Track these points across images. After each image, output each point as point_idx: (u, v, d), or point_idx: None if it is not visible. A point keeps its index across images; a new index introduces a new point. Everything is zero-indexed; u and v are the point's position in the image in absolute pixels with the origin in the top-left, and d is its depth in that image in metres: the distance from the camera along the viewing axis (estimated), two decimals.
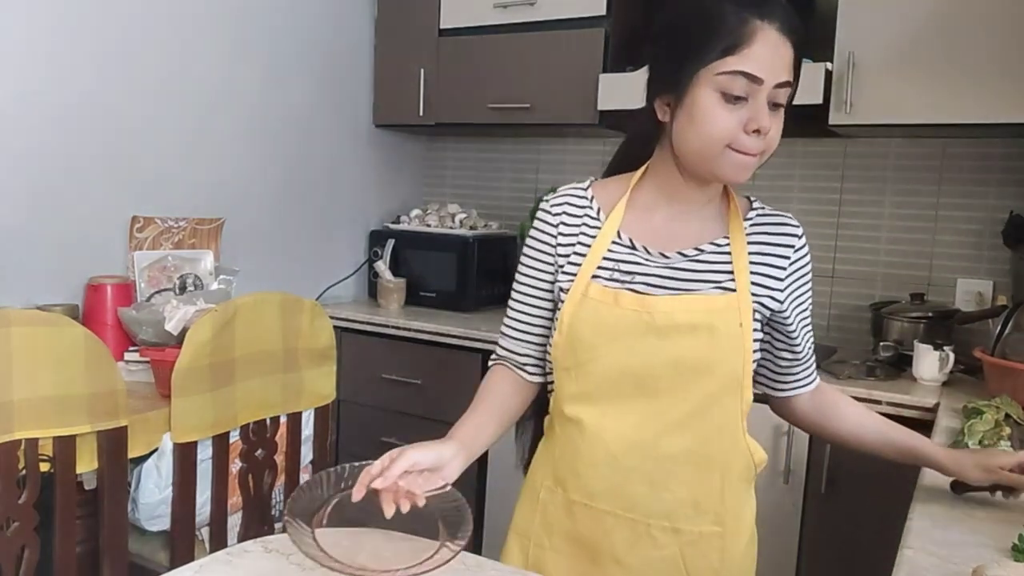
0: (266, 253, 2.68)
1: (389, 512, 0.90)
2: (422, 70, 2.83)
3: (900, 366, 2.11)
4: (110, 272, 2.15)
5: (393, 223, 3.04)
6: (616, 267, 1.09)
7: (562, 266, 1.13)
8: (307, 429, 1.93)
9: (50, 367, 1.41)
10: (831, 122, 2.17)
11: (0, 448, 1.36)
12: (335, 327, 2.02)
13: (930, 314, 2.21)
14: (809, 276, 1.17)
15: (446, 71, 2.80)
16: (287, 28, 2.67)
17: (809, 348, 1.20)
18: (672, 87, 1.03)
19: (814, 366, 1.23)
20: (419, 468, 0.95)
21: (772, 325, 1.16)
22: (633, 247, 1.11)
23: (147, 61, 2.26)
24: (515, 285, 1.19)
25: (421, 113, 2.85)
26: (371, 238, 2.99)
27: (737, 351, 1.06)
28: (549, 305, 1.16)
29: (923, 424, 1.78)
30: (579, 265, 1.11)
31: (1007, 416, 1.55)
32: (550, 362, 1.14)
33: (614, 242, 1.11)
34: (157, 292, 2.15)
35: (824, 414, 1.23)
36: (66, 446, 1.45)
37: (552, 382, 1.17)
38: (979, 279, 2.33)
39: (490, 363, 1.23)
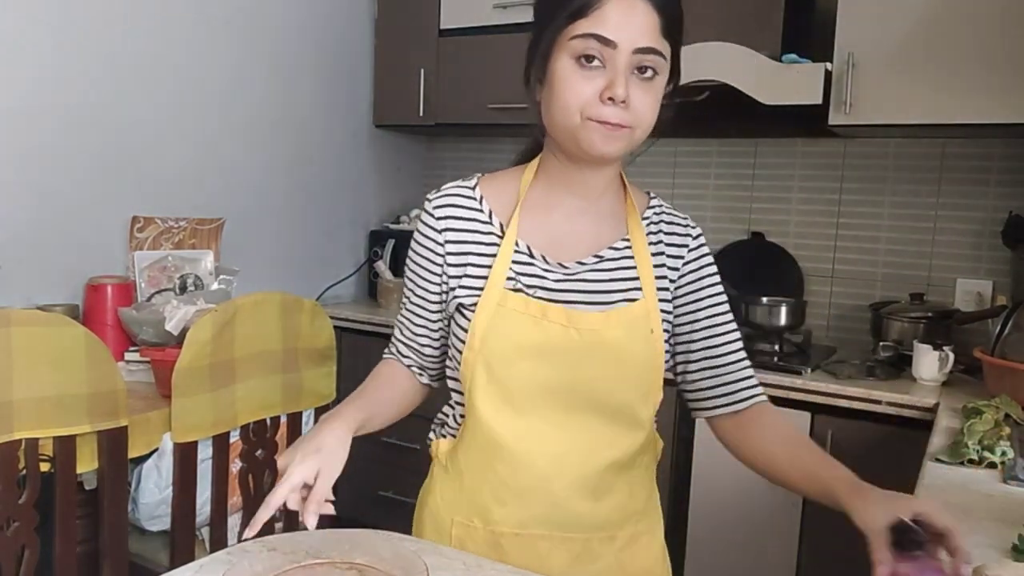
0: (266, 253, 2.68)
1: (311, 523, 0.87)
2: (422, 70, 2.83)
3: (900, 366, 2.11)
4: (110, 272, 2.15)
5: (393, 223, 3.04)
6: (517, 277, 1.02)
7: (457, 277, 1.05)
8: (307, 429, 1.93)
9: (50, 367, 1.41)
10: (831, 122, 2.17)
11: (0, 448, 1.36)
12: (335, 327, 2.02)
13: (930, 314, 2.21)
14: (707, 285, 1.08)
15: (446, 71, 2.80)
16: (287, 28, 2.67)
17: (714, 369, 1.08)
18: (537, 59, 0.99)
19: (728, 390, 1.08)
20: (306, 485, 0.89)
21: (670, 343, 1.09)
22: (531, 256, 1.04)
23: (147, 61, 2.26)
24: (404, 291, 1.13)
25: (421, 113, 2.85)
26: (371, 238, 2.99)
27: (649, 359, 1.02)
28: (437, 316, 1.09)
29: (923, 424, 1.78)
30: (483, 278, 1.03)
31: (1007, 416, 1.55)
32: (455, 379, 1.08)
33: (515, 250, 1.04)
34: (157, 292, 2.15)
35: (741, 430, 1.07)
36: (66, 446, 1.45)
37: (451, 408, 1.12)
38: (979, 279, 2.33)
39: (385, 354, 1.18)
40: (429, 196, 1.10)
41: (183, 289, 2.18)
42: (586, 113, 0.94)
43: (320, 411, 1.95)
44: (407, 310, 1.13)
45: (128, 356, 1.95)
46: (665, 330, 1.05)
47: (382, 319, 2.63)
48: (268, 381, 1.78)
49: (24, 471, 1.40)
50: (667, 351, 1.07)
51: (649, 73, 0.95)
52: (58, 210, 2.09)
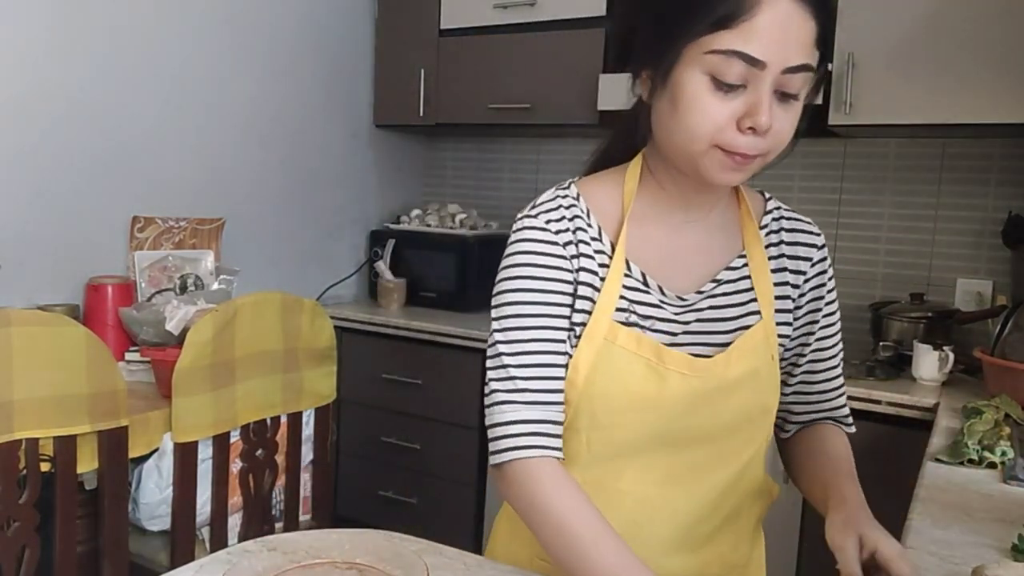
0: (266, 253, 2.68)
1: None
2: (422, 70, 2.83)
3: (900, 366, 2.11)
4: (111, 272, 2.15)
5: (393, 223, 3.04)
6: (631, 308, 0.88)
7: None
8: (307, 429, 1.93)
9: (51, 367, 1.41)
10: (831, 122, 2.17)
11: (0, 448, 1.36)
12: (335, 327, 2.03)
13: (930, 314, 2.21)
14: (827, 303, 0.97)
15: (446, 71, 2.80)
16: (287, 28, 2.67)
17: (809, 395, 0.99)
18: (654, 60, 0.81)
19: (815, 417, 1.00)
20: None
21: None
22: (646, 284, 0.90)
23: (147, 61, 2.26)
24: (524, 332, 0.87)
25: (421, 113, 2.85)
26: (371, 238, 2.99)
27: (770, 390, 0.91)
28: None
29: (923, 424, 1.78)
30: (589, 299, 0.88)
31: (1007, 416, 1.55)
32: None
33: (624, 274, 0.89)
34: (158, 292, 2.15)
35: (798, 444, 1.01)
36: (67, 446, 1.45)
37: None
38: (979, 279, 2.33)
39: (516, 455, 0.85)
40: (529, 212, 0.90)
41: (183, 289, 2.18)
42: (716, 140, 0.79)
43: (320, 411, 1.95)
44: (545, 353, 0.87)
45: (128, 356, 1.95)
46: (781, 349, 0.95)
47: (382, 319, 2.63)
48: (268, 381, 1.78)
49: (24, 471, 1.40)
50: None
51: (795, 91, 0.79)
52: (58, 210, 2.09)
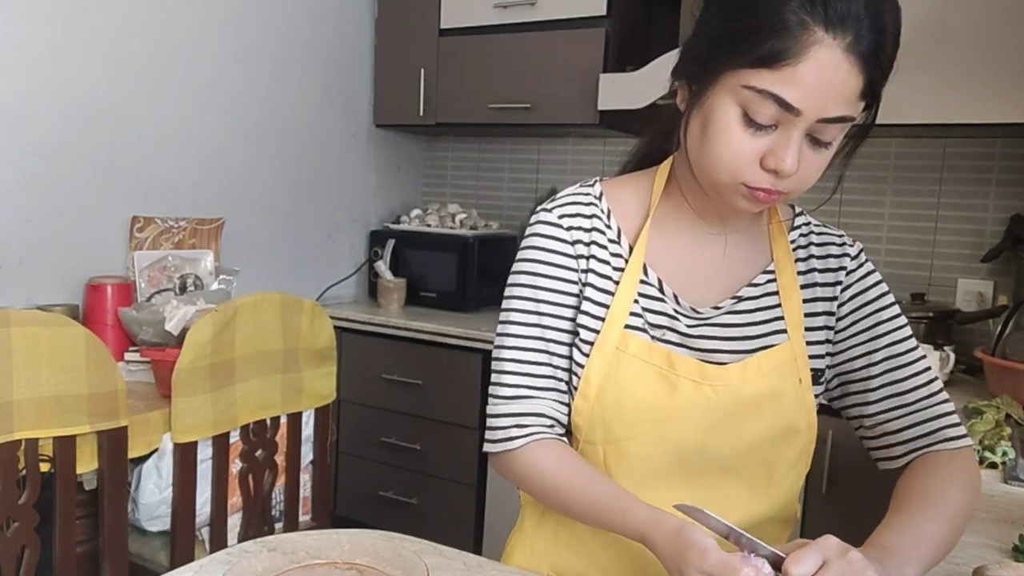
0: (266, 253, 2.68)
1: None
2: (422, 70, 2.83)
3: None
4: (110, 272, 2.15)
5: (393, 223, 3.04)
6: (643, 315, 0.87)
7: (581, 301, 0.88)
8: (307, 429, 1.93)
9: (50, 367, 1.41)
10: None
11: (0, 448, 1.36)
12: (335, 327, 2.02)
13: (931, 314, 2.21)
14: (879, 309, 0.91)
15: (446, 71, 2.80)
16: (287, 28, 2.67)
17: (902, 408, 0.91)
18: (695, 75, 0.80)
19: (924, 431, 0.91)
20: None
21: (841, 383, 0.93)
22: (662, 291, 0.88)
23: (147, 61, 2.26)
24: (520, 328, 0.88)
25: (421, 113, 2.85)
26: (371, 238, 2.99)
27: (802, 415, 0.87)
28: (569, 350, 0.90)
29: None
30: (601, 305, 0.87)
31: (1008, 416, 1.55)
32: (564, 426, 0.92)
33: (641, 280, 0.87)
34: (157, 292, 2.15)
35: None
36: (66, 446, 1.45)
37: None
38: (980, 279, 2.33)
39: (516, 444, 0.87)
40: (547, 206, 0.90)
41: (183, 289, 2.18)
42: (740, 177, 0.78)
43: (320, 411, 1.95)
44: (543, 351, 0.88)
45: (128, 356, 1.95)
46: (817, 375, 0.90)
47: (382, 319, 2.63)
48: (268, 381, 1.78)
49: (24, 471, 1.40)
50: (834, 398, 0.93)
51: (828, 139, 0.77)
52: (58, 210, 2.09)
